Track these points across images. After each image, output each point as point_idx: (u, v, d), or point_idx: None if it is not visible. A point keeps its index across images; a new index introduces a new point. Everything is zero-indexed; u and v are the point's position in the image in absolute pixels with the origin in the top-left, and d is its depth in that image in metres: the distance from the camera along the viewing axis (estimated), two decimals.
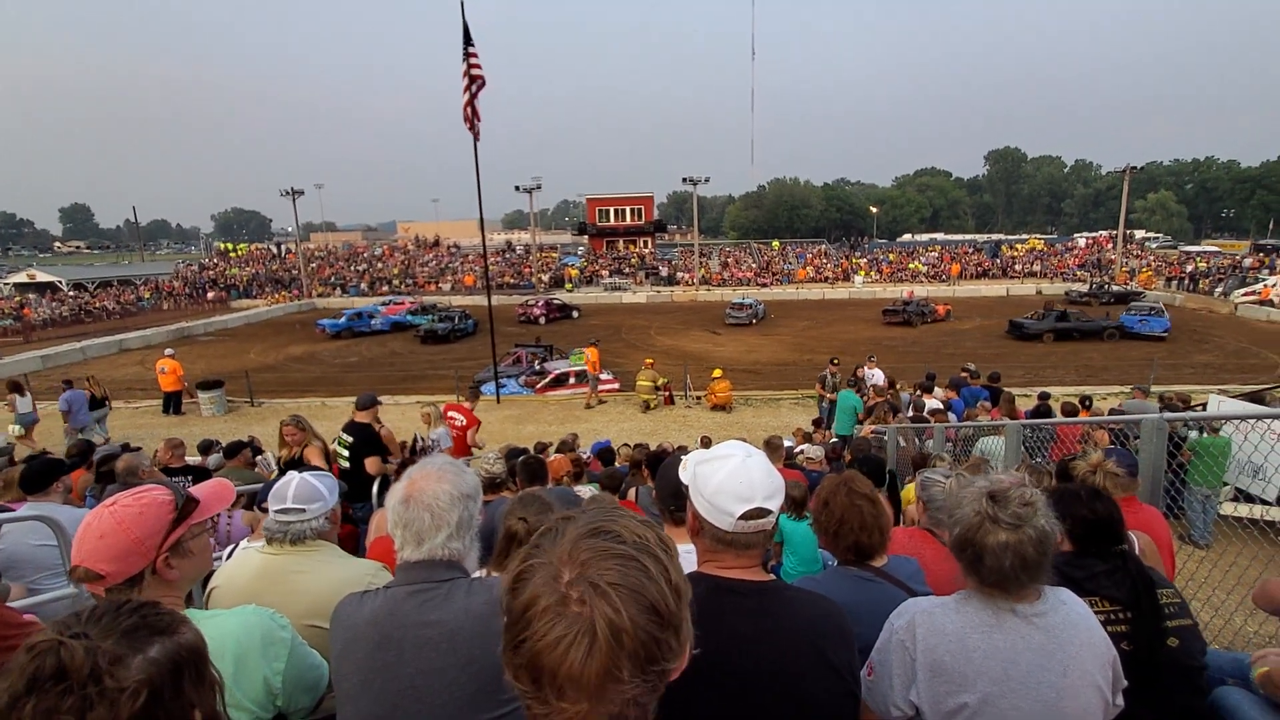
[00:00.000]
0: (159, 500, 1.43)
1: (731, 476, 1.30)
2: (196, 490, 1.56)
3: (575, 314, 35.74)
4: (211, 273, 50.39)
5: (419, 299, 39.27)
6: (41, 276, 49.89)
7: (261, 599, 1.65)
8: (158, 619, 0.91)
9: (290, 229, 53.63)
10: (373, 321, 31.96)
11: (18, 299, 42.04)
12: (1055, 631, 1.36)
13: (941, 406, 9.09)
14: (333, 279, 48.62)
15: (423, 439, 7.51)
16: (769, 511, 1.29)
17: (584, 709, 0.69)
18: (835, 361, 13.18)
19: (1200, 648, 1.85)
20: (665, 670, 0.73)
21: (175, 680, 0.86)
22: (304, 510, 2.01)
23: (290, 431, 5.36)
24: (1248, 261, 41.79)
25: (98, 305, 42.04)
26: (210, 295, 45.28)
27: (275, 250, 57.75)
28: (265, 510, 2.39)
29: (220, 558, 2.42)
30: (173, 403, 15.67)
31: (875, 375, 12.65)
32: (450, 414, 8.96)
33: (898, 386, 11.85)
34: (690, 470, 1.38)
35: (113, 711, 0.78)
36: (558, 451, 8.36)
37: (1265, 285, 33.11)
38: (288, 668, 1.52)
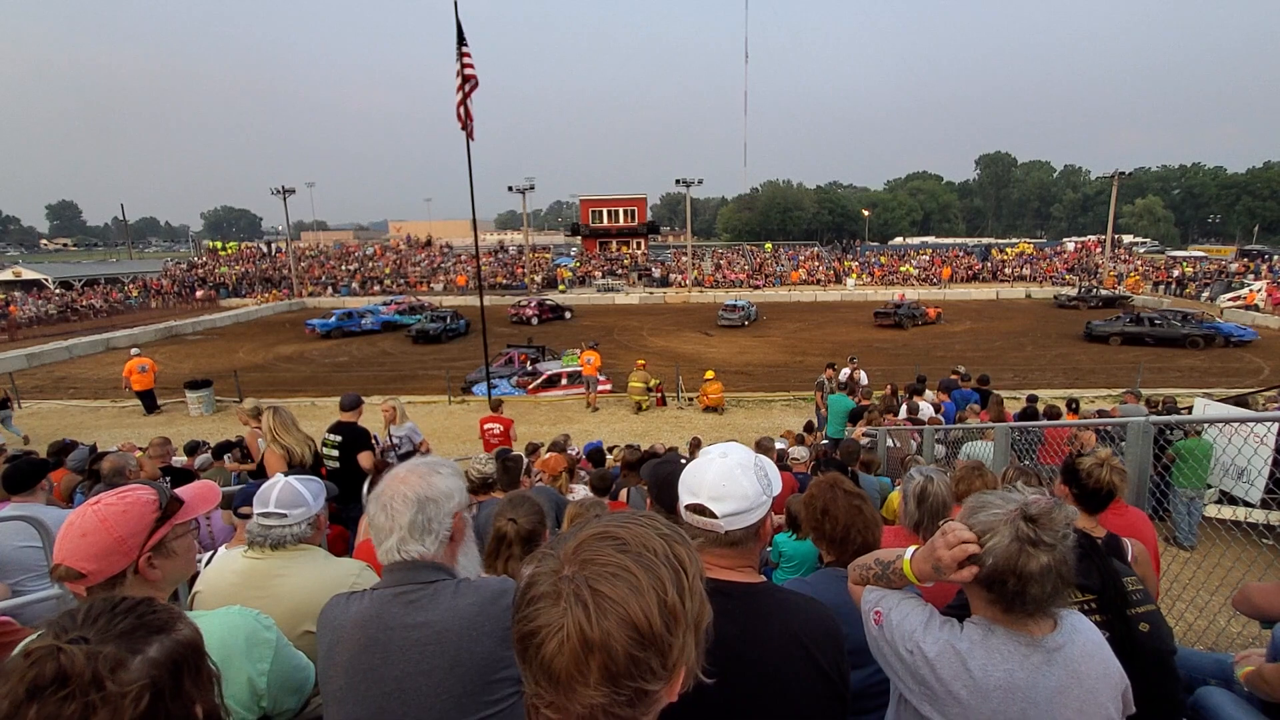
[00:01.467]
0: (143, 499, 1.43)
1: (692, 469, 1.36)
2: (181, 491, 1.55)
3: (568, 315, 35.68)
4: (200, 271, 49.97)
5: (409, 298, 38.97)
6: (27, 274, 49.31)
7: (244, 604, 1.64)
8: (154, 617, 0.90)
9: (281, 228, 53.35)
10: (363, 321, 31.80)
11: (2, 297, 41.50)
12: (1073, 665, 1.31)
13: (922, 409, 9.18)
14: (323, 278, 48.33)
15: (385, 438, 7.07)
16: (712, 513, 1.30)
17: (555, 700, 0.71)
18: (834, 366, 13.10)
19: (1167, 631, 1.86)
20: (644, 690, 0.72)
21: (176, 679, 0.86)
22: (286, 515, 1.99)
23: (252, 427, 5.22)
24: (1233, 266, 42.42)
25: (85, 303, 41.55)
26: (199, 294, 44.90)
27: (265, 249, 57.35)
28: (241, 516, 2.37)
29: (200, 560, 2.41)
30: (149, 401, 15.53)
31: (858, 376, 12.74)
32: (487, 426, 9.78)
33: (898, 390, 11.91)
34: None
35: (115, 716, 0.78)
36: (550, 451, 8.34)
37: (1250, 290, 33.56)
38: (273, 668, 1.52)
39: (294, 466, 4.79)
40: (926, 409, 9.25)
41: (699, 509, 1.31)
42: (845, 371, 12.75)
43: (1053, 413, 8.48)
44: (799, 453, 6.85)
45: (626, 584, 0.73)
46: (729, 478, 1.31)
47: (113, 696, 0.78)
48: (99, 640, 0.82)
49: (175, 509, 1.49)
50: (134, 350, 16.59)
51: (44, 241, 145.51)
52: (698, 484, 1.32)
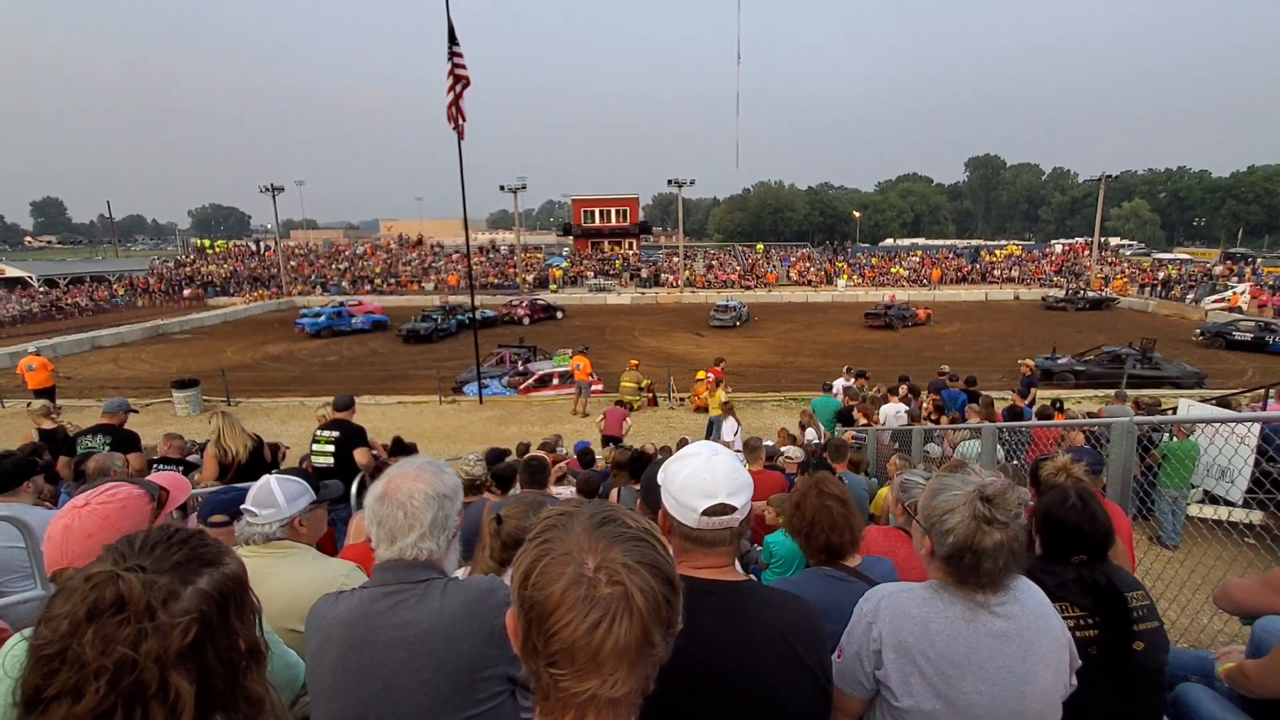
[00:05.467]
0: (135, 493, 1.45)
1: (696, 473, 1.32)
2: (157, 479, 1.58)
3: (560, 315, 35.65)
4: (188, 269, 49.49)
5: (444, 297, 38.47)
6: (11, 271, 48.64)
7: None
8: (205, 550, 0.93)
9: (270, 226, 52.94)
10: (353, 320, 31.61)
11: None
12: (1015, 618, 1.41)
13: (887, 410, 9.23)
14: (313, 277, 48.01)
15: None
16: (733, 508, 1.31)
17: (621, 676, 0.75)
18: (865, 375, 12.83)
19: (1163, 648, 1.89)
20: (675, 631, 0.81)
21: (222, 611, 0.89)
22: (256, 515, 2.02)
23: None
24: (1217, 269, 42.96)
25: (70, 302, 41.09)
26: (187, 292, 44.47)
27: (254, 247, 56.89)
28: (211, 525, 2.40)
29: None
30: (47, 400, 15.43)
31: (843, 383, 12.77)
32: (706, 376, 13.47)
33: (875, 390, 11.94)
34: (663, 470, 1.40)
35: (164, 643, 0.81)
36: (540, 450, 8.33)
37: (1234, 292, 34.00)
38: None
39: (225, 465, 4.99)
40: (895, 411, 9.26)
41: (721, 509, 1.30)
42: (839, 382, 12.79)
43: (1045, 413, 8.56)
44: (793, 452, 6.86)
45: (650, 549, 0.82)
46: (736, 471, 1.33)
47: (164, 626, 0.81)
48: (155, 569, 0.86)
49: (165, 498, 1.55)
50: (30, 348, 16.80)
51: (28, 239, 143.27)
52: (712, 484, 1.30)
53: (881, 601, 1.48)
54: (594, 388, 16.97)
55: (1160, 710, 1.91)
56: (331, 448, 5.48)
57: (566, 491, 5.50)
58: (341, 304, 33.99)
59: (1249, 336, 24.55)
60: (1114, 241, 64.69)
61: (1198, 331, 26.81)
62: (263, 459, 5.31)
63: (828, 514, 2.00)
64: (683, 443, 9.54)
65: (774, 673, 1.27)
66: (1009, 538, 1.36)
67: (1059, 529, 1.92)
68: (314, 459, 5.51)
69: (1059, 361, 19.64)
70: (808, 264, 51.53)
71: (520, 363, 20.07)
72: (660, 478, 1.40)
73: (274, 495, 2.05)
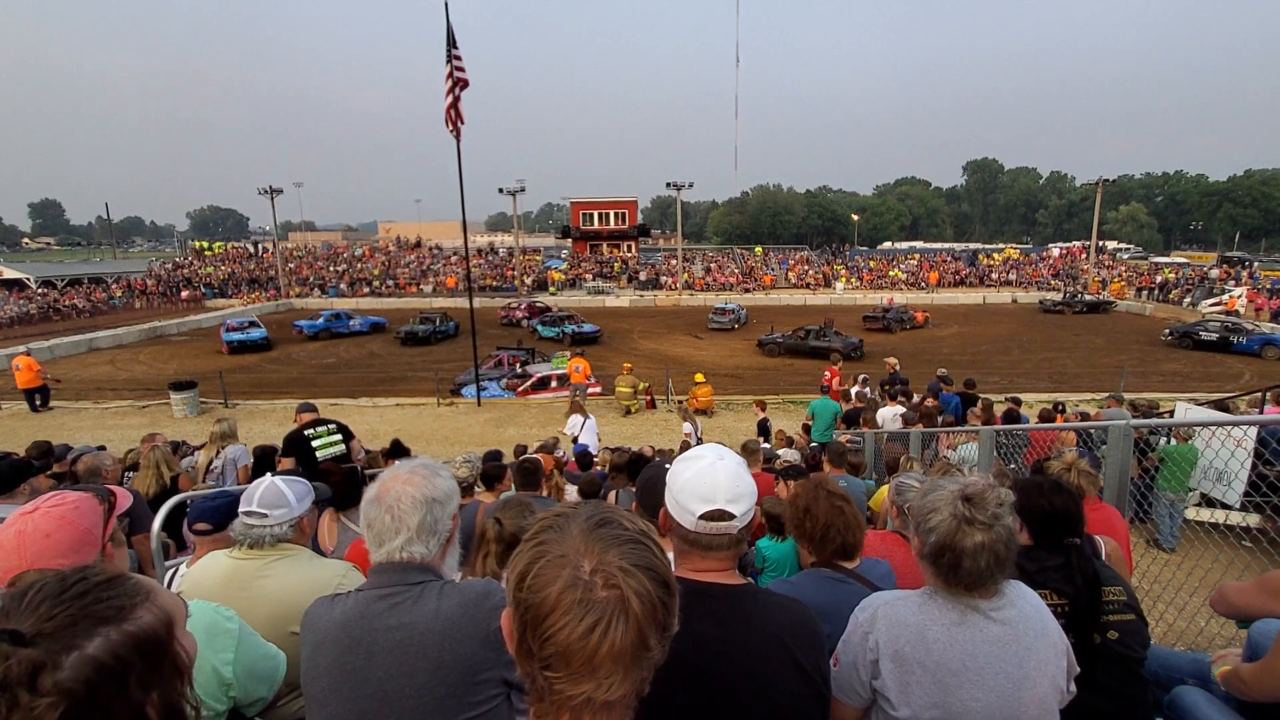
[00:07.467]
0: (84, 495, 1.46)
1: (698, 476, 1.32)
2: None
3: None
4: (186, 271, 49.41)
5: (529, 301, 36.52)
6: (9, 273, 48.41)
7: (226, 605, 1.64)
8: (102, 606, 0.80)
9: (268, 228, 52.87)
10: (351, 323, 31.58)
11: None
12: (1012, 624, 1.41)
13: (884, 414, 9.23)
14: (311, 279, 47.96)
15: (198, 467, 6.03)
16: (731, 515, 1.29)
17: (616, 679, 0.74)
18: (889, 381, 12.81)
19: (1141, 641, 1.94)
20: (671, 634, 0.81)
21: (118, 678, 0.77)
22: (266, 516, 1.98)
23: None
24: (1215, 273, 43.01)
25: (67, 303, 41.00)
26: (184, 294, 44.36)
27: (252, 249, 56.82)
28: (196, 533, 2.38)
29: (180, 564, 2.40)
30: (39, 398, 15.56)
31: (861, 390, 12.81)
32: (826, 373, 14.12)
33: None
34: (670, 470, 1.40)
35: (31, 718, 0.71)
36: (538, 453, 8.31)
37: (1231, 296, 34.11)
38: (238, 658, 1.53)
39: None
40: (892, 414, 9.26)
41: (719, 514, 1.28)
42: (855, 389, 12.82)
43: (1046, 416, 8.56)
44: (790, 455, 6.88)
45: (646, 552, 0.81)
46: (738, 477, 1.31)
47: (24, 705, 0.71)
48: (36, 629, 0.75)
49: (114, 501, 1.57)
50: (20, 349, 17.54)
51: (26, 240, 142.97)
52: (711, 489, 1.29)
53: (878, 610, 1.48)
54: (591, 390, 16.96)
55: (1147, 702, 1.94)
56: (339, 437, 5.69)
57: (570, 491, 5.50)
58: (252, 321, 30.56)
59: (1214, 336, 25.09)
60: (1111, 245, 64.80)
61: (1166, 331, 27.28)
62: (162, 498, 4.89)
63: (840, 515, 2.01)
64: (684, 445, 9.60)
65: (771, 676, 1.27)
66: (991, 540, 1.36)
67: (1048, 517, 1.95)
68: (324, 451, 5.56)
69: (772, 336, 26.24)
70: (806, 267, 51.58)
71: (518, 365, 20.06)
72: (668, 477, 1.40)
73: (284, 496, 2.03)
